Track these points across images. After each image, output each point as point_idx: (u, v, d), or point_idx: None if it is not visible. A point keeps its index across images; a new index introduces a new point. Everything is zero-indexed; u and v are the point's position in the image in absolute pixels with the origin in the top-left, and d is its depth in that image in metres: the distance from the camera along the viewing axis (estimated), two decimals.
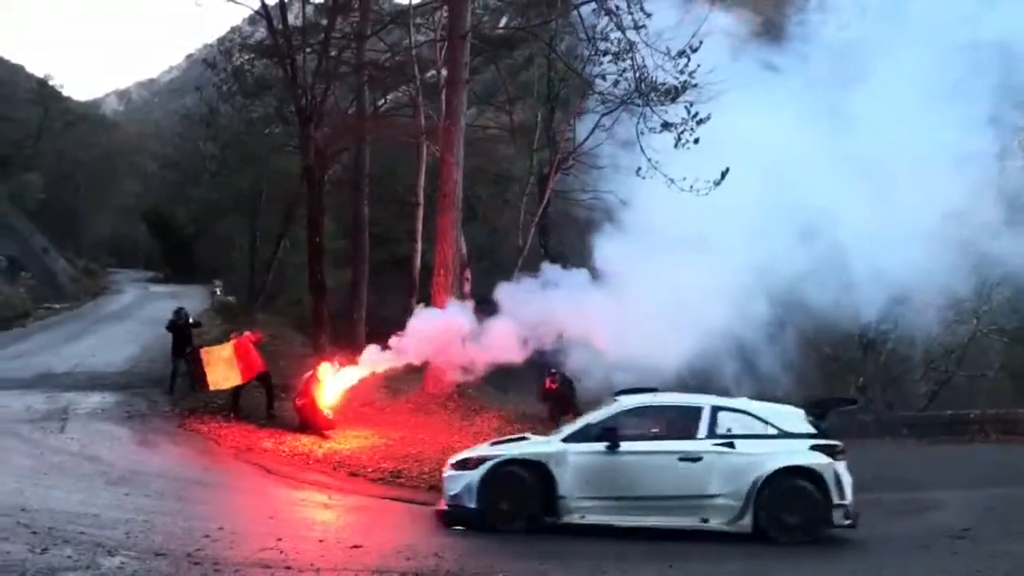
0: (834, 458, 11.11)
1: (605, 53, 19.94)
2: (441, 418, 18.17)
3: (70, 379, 22.91)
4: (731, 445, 11.33)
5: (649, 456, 11.49)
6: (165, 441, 15.95)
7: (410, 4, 29.54)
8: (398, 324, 19.41)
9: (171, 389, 21.02)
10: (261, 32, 40.16)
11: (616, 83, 21.23)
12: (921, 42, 18.17)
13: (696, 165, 16.49)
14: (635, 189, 18.32)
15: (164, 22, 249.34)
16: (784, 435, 11.50)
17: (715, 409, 11.77)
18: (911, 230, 17.11)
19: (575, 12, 22.59)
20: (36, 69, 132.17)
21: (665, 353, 15.59)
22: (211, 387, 18.61)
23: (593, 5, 21.04)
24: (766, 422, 11.62)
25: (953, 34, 18.05)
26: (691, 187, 16.53)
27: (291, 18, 30.10)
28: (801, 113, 18.15)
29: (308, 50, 28.62)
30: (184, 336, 21.66)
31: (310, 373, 17.35)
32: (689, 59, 17.33)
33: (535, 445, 12.08)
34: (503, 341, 16.58)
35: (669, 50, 17.51)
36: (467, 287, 22.99)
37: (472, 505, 11.43)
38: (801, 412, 11.86)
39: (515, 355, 16.70)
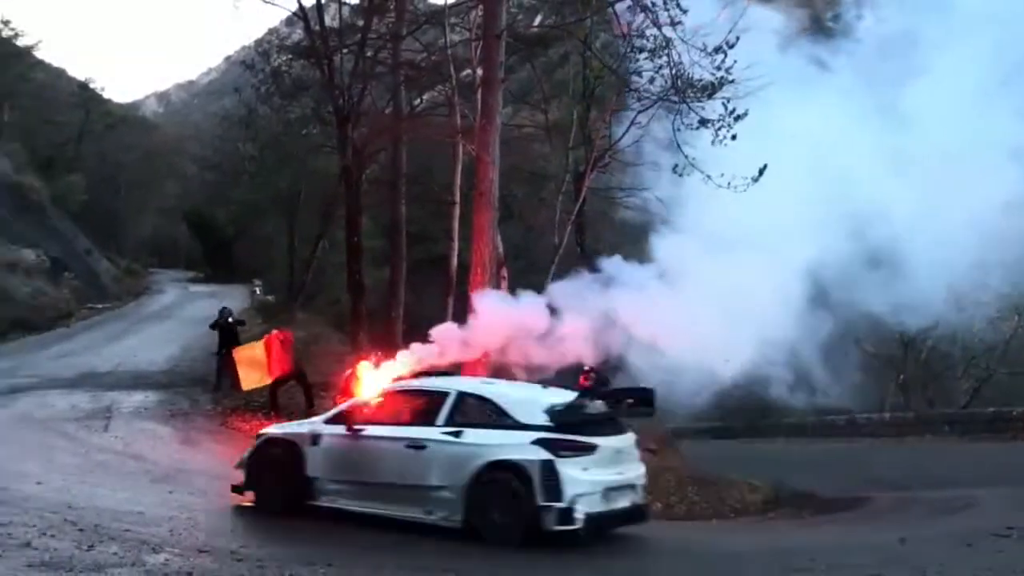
0: (557, 455, 9.84)
1: (641, 50, 19.91)
2: None
3: (113, 378, 23.27)
4: (458, 434, 10.49)
5: (382, 442, 11.00)
6: (207, 439, 16.21)
7: (445, 4, 29.64)
8: (436, 322, 19.50)
9: (217, 386, 21.33)
10: (298, 33, 40.49)
11: (652, 80, 21.18)
12: (973, 33, 17.92)
13: (750, 162, 16.33)
14: (688, 187, 18.06)
15: (202, 25, 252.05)
16: (517, 426, 10.33)
17: (460, 395, 11.04)
18: (965, 226, 16.87)
19: (610, 9, 22.57)
20: (77, 72, 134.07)
21: (724, 356, 15.44)
22: (244, 387, 18.87)
23: (628, 2, 21.03)
24: (503, 411, 10.60)
25: (1007, 24, 17.79)
26: (729, 184, 16.47)
27: (328, 19, 30.37)
28: (851, 108, 17.92)
29: (345, 51, 28.88)
30: (230, 334, 21.96)
31: (350, 371, 17.47)
32: (726, 55, 17.26)
33: (298, 425, 12.00)
34: (574, 341, 16.31)
35: (706, 46, 17.46)
36: (504, 286, 22.98)
37: (242, 481, 11.42)
38: (544, 401, 10.68)
39: (586, 356, 16.50)
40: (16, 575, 7.77)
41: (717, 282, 15.06)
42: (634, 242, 22.48)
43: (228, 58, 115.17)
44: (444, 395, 11.11)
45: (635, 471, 10.92)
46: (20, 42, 67.97)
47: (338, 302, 38.24)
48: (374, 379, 17.47)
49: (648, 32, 18.90)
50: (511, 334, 16.09)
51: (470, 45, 28.55)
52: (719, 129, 17.10)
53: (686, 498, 14.81)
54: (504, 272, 23.11)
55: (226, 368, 21.05)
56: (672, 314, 15.04)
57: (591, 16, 23.93)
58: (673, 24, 17.71)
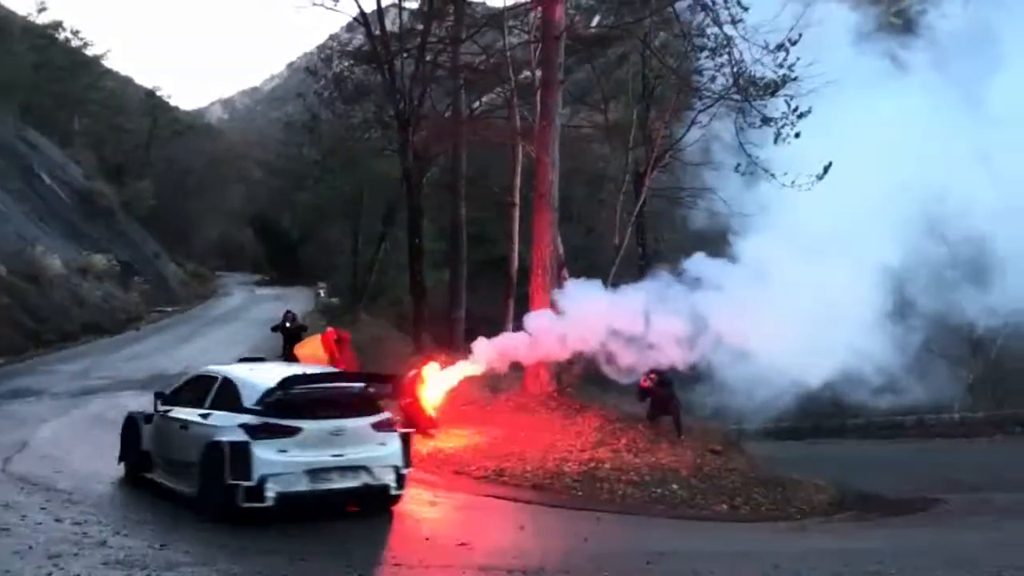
0: (253, 437, 10.16)
1: (702, 49, 19.83)
2: (542, 417, 18.19)
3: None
4: (207, 416, 11.01)
5: (172, 422, 11.62)
6: None
7: (503, 7, 29.78)
8: (496, 323, 19.63)
9: None
10: (359, 39, 40.89)
11: (713, 78, 21.08)
12: None
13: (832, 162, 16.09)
14: (765, 188, 17.78)
15: (265, 32, 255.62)
16: (240, 409, 10.73)
17: (224, 380, 11.48)
18: None
19: (670, 8, 22.48)
20: (145, 81, 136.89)
21: (812, 359, 15.23)
22: None
23: (689, 1, 20.96)
24: (238, 395, 10.99)
25: None
26: (792, 183, 16.34)
27: (388, 24, 30.63)
28: (930, 104, 17.53)
29: (405, 55, 29.09)
30: (294, 337, 22.30)
31: (413, 372, 17.61)
32: (788, 52, 17.13)
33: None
34: (666, 344, 16.12)
35: (768, 44, 17.33)
36: (565, 287, 23.04)
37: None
38: (264, 386, 10.84)
39: (679, 358, 16.40)
40: (93, 573, 8.01)
41: (804, 283, 14.85)
42: (697, 243, 22.28)
43: (290, 64, 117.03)
44: (214, 379, 11.70)
45: (366, 453, 10.86)
46: (89, 52, 69.65)
47: (400, 303, 38.56)
48: (439, 379, 17.66)
49: (709, 30, 18.82)
50: (607, 329, 15.98)
51: (529, 47, 28.62)
52: (782, 127, 16.98)
53: (751, 499, 14.69)
54: (564, 273, 23.11)
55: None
56: (762, 317, 14.84)
57: (650, 16, 23.85)
58: (734, 22, 17.63)
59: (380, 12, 29.28)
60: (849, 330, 15.43)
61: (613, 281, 23.86)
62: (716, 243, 18.64)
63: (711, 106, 22.88)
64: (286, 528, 9.98)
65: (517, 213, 28.52)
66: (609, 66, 35.18)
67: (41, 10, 67.47)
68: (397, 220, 36.81)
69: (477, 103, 35.86)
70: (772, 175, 16.71)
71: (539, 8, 25.01)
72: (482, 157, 35.67)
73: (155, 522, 10.04)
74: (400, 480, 11.13)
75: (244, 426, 10.40)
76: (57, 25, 67.73)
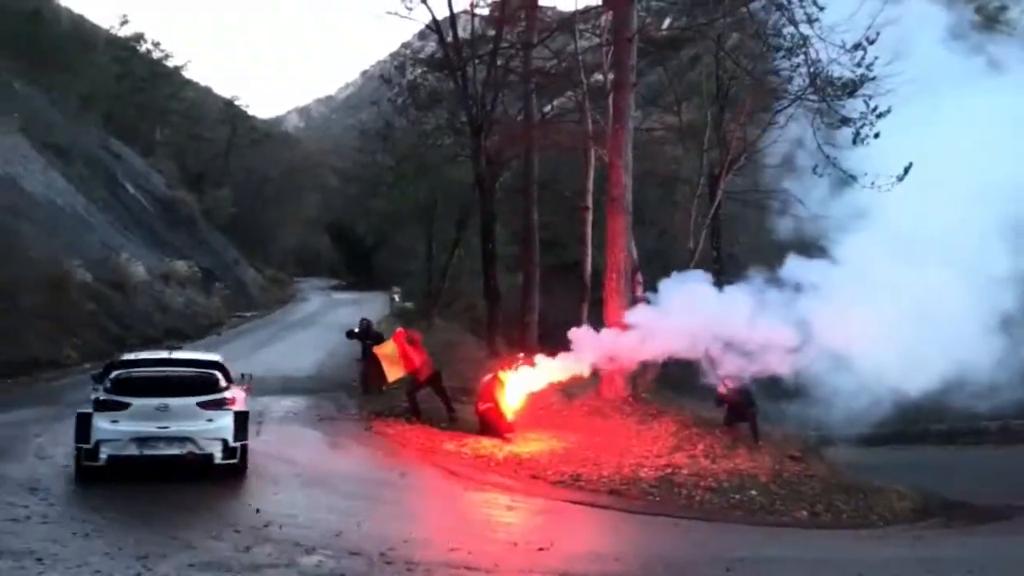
0: (95, 410, 12.42)
1: (777, 49, 19.59)
2: (617, 422, 18.13)
3: (263, 384, 23.89)
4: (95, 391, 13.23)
5: None
6: (354, 443, 16.59)
7: (575, 11, 29.80)
8: (570, 327, 19.55)
9: (364, 391, 22.00)
10: (431, 46, 41.30)
11: (790, 79, 20.80)
12: None
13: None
14: (861, 193, 17.32)
15: (339, 41, 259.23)
16: (103, 388, 13.02)
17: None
18: None
19: (744, 9, 22.23)
20: (223, 90, 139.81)
21: (915, 366, 14.88)
22: (390, 379, 19.42)
23: (763, 1, 20.73)
24: (107, 375, 13.29)
25: None
26: (872, 183, 16.05)
27: (460, 31, 30.84)
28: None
29: (477, 61, 29.26)
30: (372, 342, 22.64)
31: (490, 376, 17.68)
32: (866, 51, 16.82)
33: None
34: (772, 346, 15.84)
35: (845, 43, 17.04)
36: (639, 291, 22.91)
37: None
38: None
39: (781, 366, 16.10)
40: (180, 574, 8.23)
41: (905, 288, 14.47)
42: (774, 246, 21.99)
43: (364, 72, 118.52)
44: None
45: (191, 427, 12.71)
46: (170, 63, 71.36)
47: (474, 308, 38.72)
48: (518, 383, 17.70)
49: (784, 30, 18.58)
50: (710, 327, 15.73)
51: (600, 50, 28.56)
52: (861, 127, 16.67)
53: (832, 506, 14.44)
54: (639, 277, 23.00)
55: (372, 368, 21.81)
56: (865, 322, 14.49)
57: (724, 17, 23.63)
58: (810, 21, 17.38)
59: (452, 19, 29.51)
60: (951, 337, 14.93)
61: None
62: (796, 247, 18.25)
63: (788, 107, 22.56)
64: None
65: (590, 217, 28.45)
66: (681, 68, 34.93)
67: (123, 23, 69.40)
68: (470, 225, 37.00)
69: (549, 107, 35.89)
70: (852, 177, 16.43)
71: (610, 11, 24.98)
72: (554, 161, 35.68)
73: (240, 525, 10.24)
74: (229, 452, 12.82)
75: (94, 400, 12.68)
76: (139, 37, 69.51)
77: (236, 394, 13.56)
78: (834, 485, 15.50)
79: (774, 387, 17.88)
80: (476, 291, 35.55)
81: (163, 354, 14.98)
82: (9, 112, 39.82)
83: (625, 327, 17.84)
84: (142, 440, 12.47)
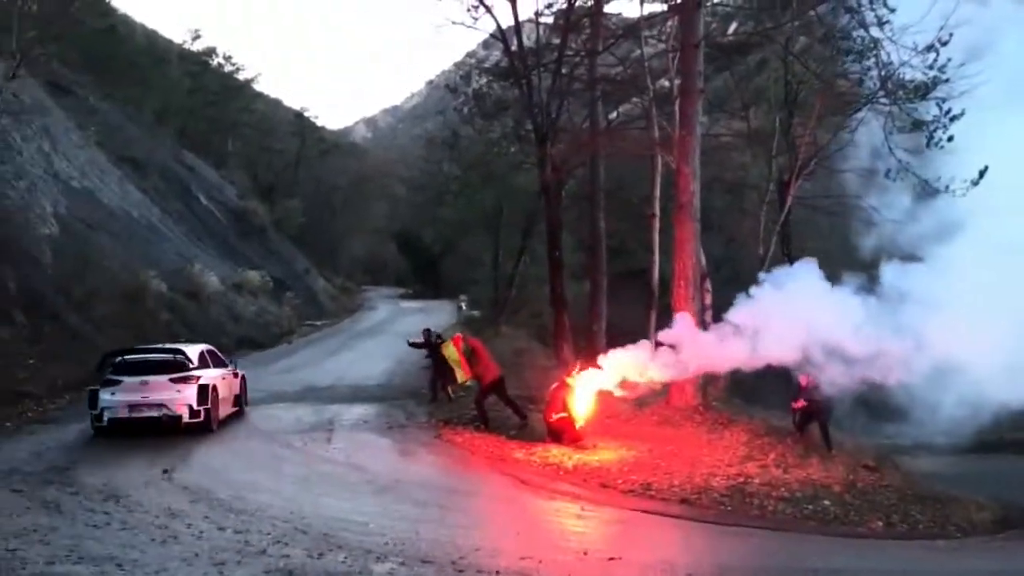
0: (101, 386, 17.28)
1: (847, 52, 19.32)
2: (688, 431, 17.99)
3: (333, 392, 24.41)
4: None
5: None
6: (423, 451, 16.70)
7: (640, 17, 29.65)
8: (637, 335, 19.45)
9: (432, 398, 22.19)
10: (496, 55, 41.49)
11: (860, 82, 20.48)
12: None
13: None
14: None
15: (405, 52, 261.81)
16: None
17: None
18: None
19: (812, 12, 21.97)
20: (293, 102, 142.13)
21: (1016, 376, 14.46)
22: (459, 380, 19.60)
23: (831, 4, 20.46)
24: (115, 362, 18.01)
25: None
26: (946, 187, 15.72)
27: (525, 39, 30.95)
28: None
29: (542, 69, 29.31)
30: (436, 349, 22.85)
31: (557, 384, 17.64)
32: (938, 53, 16.50)
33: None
34: (884, 355, 15.17)
35: (916, 45, 16.74)
36: (707, 299, 22.72)
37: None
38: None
39: (889, 376, 15.56)
40: None
41: (1005, 297, 14.05)
42: (847, 252, 21.60)
43: (430, 82, 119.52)
44: None
45: (164, 396, 17.22)
46: (241, 76, 72.80)
47: (540, 316, 38.74)
48: (585, 388, 17.62)
49: (854, 33, 18.32)
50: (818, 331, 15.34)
51: (666, 56, 28.40)
52: (934, 131, 16.35)
53: (908, 517, 14.13)
54: (707, 285, 22.81)
55: (444, 375, 22.08)
56: (975, 330, 14.09)
57: (791, 21, 23.36)
58: (880, 23, 17.12)
59: (517, 28, 29.63)
60: None
61: None
62: (874, 255, 17.80)
63: (859, 111, 22.20)
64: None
65: (657, 224, 28.28)
66: (748, 72, 34.59)
67: (195, 38, 71.04)
68: (536, 233, 37.09)
69: (614, 114, 35.81)
70: (925, 181, 16.11)
71: (676, 17, 24.85)
72: (620, 168, 35.56)
73: (312, 531, 10.38)
74: (194, 413, 17.36)
75: (103, 380, 17.35)
76: (210, 52, 71.10)
77: (204, 372, 18.01)
78: (909, 495, 15.18)
79: (869, 394, 17.45)
80: (543, 299, 35.59)
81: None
82: (86, 126, 40.93)
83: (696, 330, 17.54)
84: (132, 406, 17.09)
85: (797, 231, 30.57)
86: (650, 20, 30.63)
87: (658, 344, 17.73)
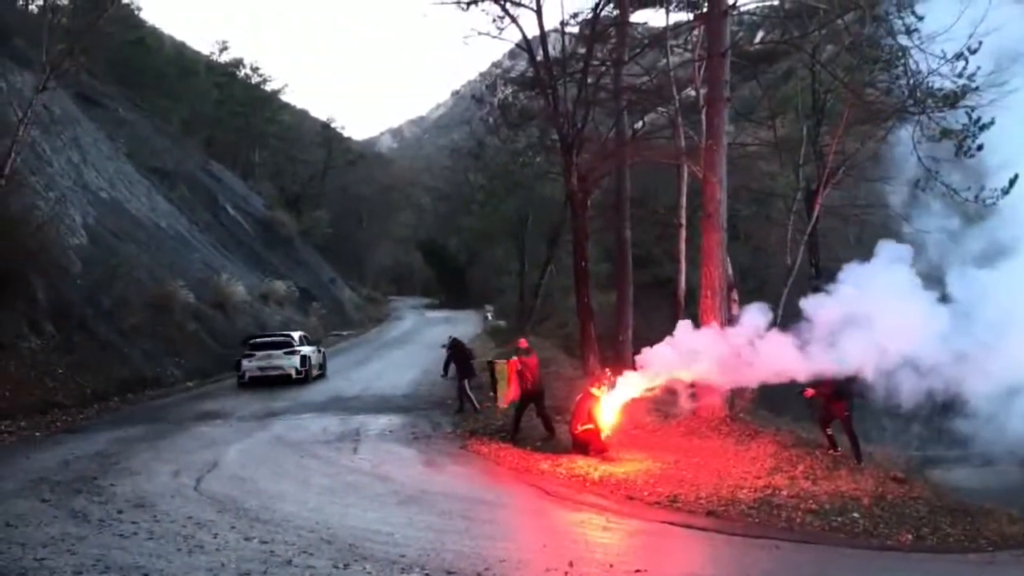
0: (243, 357, 28.66)
1: (875, 61, 19.16)
2: (714, 443, 17.84)
3: (360, 402, 24.48)
4: None
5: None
6: (449, 462, 16.66)
7: (666, 26, 29.60)
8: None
9: (459, 409, 22.17)
10: (521, 65, 41.55)
11: (888, 91, 20.30)
12: None
13: None
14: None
15: (430, 62, 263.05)
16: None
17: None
18: None
19: (839, 21, 21.81)
20: (319, 113, 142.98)
21: None
22: (503, 403, 19.48)
23: (859, 13, 20.28)
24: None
25: None
26: (976, 197, 15.54)
27: (550, 49, 30.95)
28: None
29: (568, 79, 29.31)
30: (464, 356, 22.86)
31: (583, 395, 17.54)
32: (967, 61, 16.30)
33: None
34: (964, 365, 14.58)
35: (945, 53, 16.54)
36: (734, 308, 22.58)
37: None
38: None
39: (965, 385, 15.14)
40: None
41: None
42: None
43: (455, 93, 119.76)
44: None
45: (281, 362, 28.58)
46: (268, 87, 73.36)
47: (566, 326, 38.71)
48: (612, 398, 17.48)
49: (882, 42, 18.16)
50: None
51: (692, 65, 28.33)
52: (963, 139, 16.16)
53: (939, 529, 13.92)
54: (734, 294, 22.68)
55: (462, 382, 22.10)
56: None
57: (818, 29, 23.23)
58: (908, 32, 16.94)
59: (543, 38, 29.63)
60: None
61: (785, 302, 23.26)
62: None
63: (887, 119, 22.01)
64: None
65: (683, 234, 28.17)
66: (775, 81, 34.42)
67: (223, 49, 71.83)
68: (562, 242, 37.09)
69: (640, 123, 35.73)
70: (954, 191, 15.91)
71: (703, 26, 24.77)
72: (646, 178, 35.51)
73: (338, 541, 10.37)
74: (299, 372, 28.76)
75: (243, 353, 28.63)
76: (238, 63, 71.77)
77: (302, 348, 29.67)
78: (940, 507, 14.95)
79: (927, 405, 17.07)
80: (569, 309, 35.57)
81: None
82: (116, 138, 41.38)
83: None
84: (262, 368, 28.33)
85: (825, 241, 30.38)
86: (676, 29, 30.59)
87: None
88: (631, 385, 17.53)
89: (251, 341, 29.37)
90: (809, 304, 16.13)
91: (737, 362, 16.22)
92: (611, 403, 17.46)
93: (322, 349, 32.58)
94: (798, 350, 15.57)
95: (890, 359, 14.90)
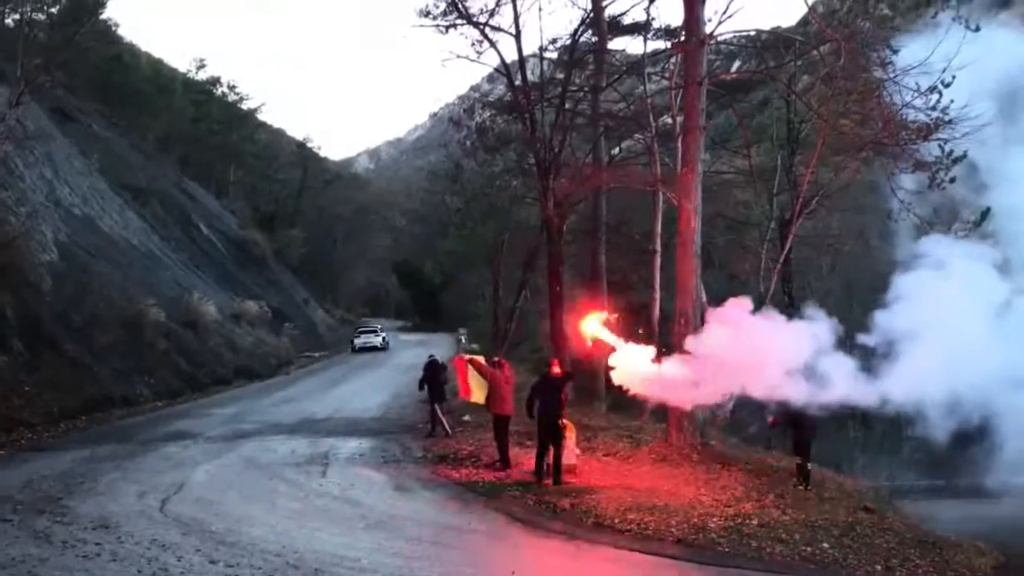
0: (354, 336, 60.77)
1: (849, 92, 19.32)
2: (685, 470, 17.78)
3: (330, 424, 24.32)
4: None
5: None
6: (419, 487, 16.53)
7: (644, 54, 29.79)
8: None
9: (431, 432, 22.02)
10: (499, 89, 41.67)
11: (863, 122, 20.47)
12: None
13: None
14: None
15: (408, 84, 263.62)
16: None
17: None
18: None
19: (815, 52, 21.99)
20: (296, 132, 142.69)
21: None
22: (469, 398, 19.33)
23: (833, 45, 20.47)
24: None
25: None
26: (949, 228, 15.68)
27: (529, 74, 31.08)
28: None
29: (546, 104, 29.43)
30: (436, 382, 22.74)
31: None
32: (941, 95, 16.50)
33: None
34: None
35: (919, 86, 16.74)
36: None
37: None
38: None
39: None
40: None
41: None
42: (847, 291, 21.55)
43: (433, 115, 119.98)
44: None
45: (374, 340, 58.48)
46: (245, 106, 73.22)
47: (540, 350, 38.63)
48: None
49: (858, 75, 18.34)
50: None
51: (669, 93, 28.52)
52: (936, 171, 16.33)
53: (908, 560, 13.92)
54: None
55: (434, 407, 22.03)
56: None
57: (794, 60, 23.43)
58: (883, 65, 17.14)
59: (522, 62, 29.76)
60: None
61: None
62: (872, 291, 17.66)
63: (861, 151, 22.19)
64: None
65: (658, 260, 28.26)
66: (751, 110, 34.69)
67: (200, 67, 71.64)
68: (537, 267, 37.06)
69: (617, 149, 35.92)
70: (928, 223, 16.07)
71: (680, 55, 24.93)
72: (623, 204, 35.58)
73: (304, 566, 10.26)
74: (384, 345, 58.40)
75: (354, 334, 57.95)
76: (215, 81, 71.65)
77: (384, 334, 60.64)
78: (909, 539, 14.99)
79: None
80: (544, 333, 35.49)
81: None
82: (89, 154, 41.08)
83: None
84: (363, 343, 57.27)
85: (798, 270, 30.54)
86: (654, 57, 30.82)
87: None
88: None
89: (358, 329, 62.97)
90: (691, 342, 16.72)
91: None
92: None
93: (386, 336, 60.97)
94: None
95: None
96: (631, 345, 17.59)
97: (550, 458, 16.49)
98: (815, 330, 15.28)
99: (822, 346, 15.08)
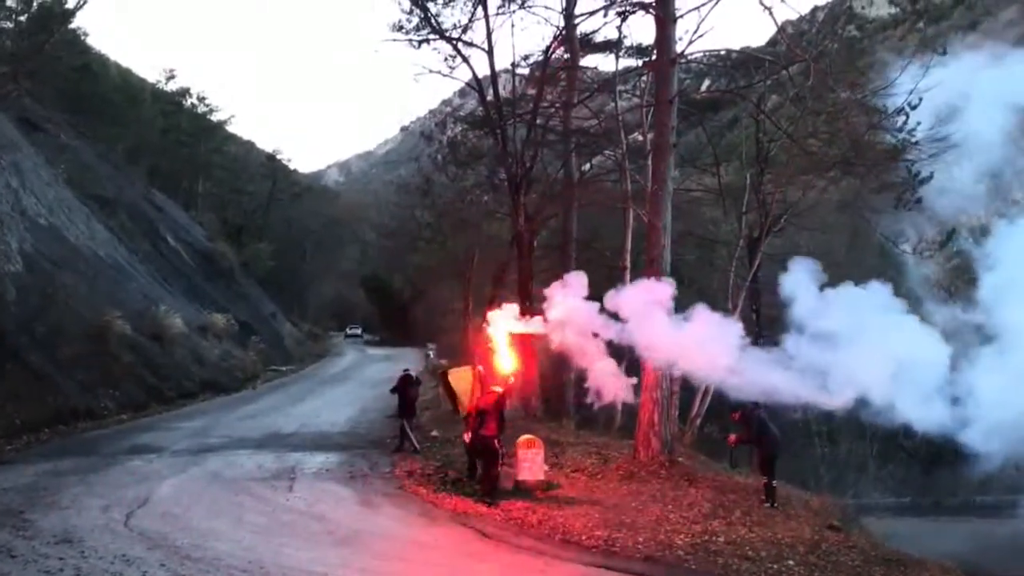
0: (362, 332, 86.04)
1: (818, 113, 19.55)
2: (653, 487, 17.82)
3: (297, 439, 24.12)
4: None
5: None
6: (386, 502, 16.44)
7: (615, 72, 29.98)
8: None
9: (399, 447, 21.91)
10: (471, 104, 41.80)
11: (831, 142, 20.72)
12: None
13: None
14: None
15: (380, 97, 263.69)
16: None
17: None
18: None
19: (784, 72, 22.24)
20: (266, 145, 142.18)
21: None
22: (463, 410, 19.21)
23: (803, 65, 20.72)
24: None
25: None
26: (914, 250, 15.88)
27: (501, 89, 31.18)
28: None
29: (517, 120, 29.52)
30: (406, 396, 22.64)
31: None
32: (908, 117, 16.73)
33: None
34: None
35: (887, 108, 16.98)
36: None
37: None
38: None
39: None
40: None
41: None
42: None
43: (404, 129, 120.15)
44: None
45: (358, 330, 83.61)
46: (214, 117, 72.78)
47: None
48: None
49: (826, 95, 18.57)
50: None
51: (640, 110, 28.70)
52: (903, 192, 16.56)
53: None
54: None
55: (403, 421, 21.97)
56: None
57: (764, 80, 23.66)
58: (852, 86, 17.36)
59: (494, 78, 29.85)
60: None
61: None
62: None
63: (829, 170, 22.44)
64: None
65: (628, 276, 28.35)
66: (720, 129, 34.96)
67: (170, 78, 71.14)
68: (508, 282, 37.07)
69: (588, 166, 36.07)
70: (893, 242, 16.26)
71: (651, 73, 25.12)
72: (593, 220, 35.72)
73: None
74: (362, 336, 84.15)
75: (345, 332, 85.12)
76: (184, 92, 71.17)
77: (364, 335, 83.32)
78: (874, 557, 15.08)
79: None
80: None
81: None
82: (56, 164, 40.64)
83: None
84: (349, 334, 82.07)
85: (767, 287, 30.73)
86: (625, 75, 31.04)
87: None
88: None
89: (348, 326, 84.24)
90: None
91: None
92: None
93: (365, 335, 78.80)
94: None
95: None
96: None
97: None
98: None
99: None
